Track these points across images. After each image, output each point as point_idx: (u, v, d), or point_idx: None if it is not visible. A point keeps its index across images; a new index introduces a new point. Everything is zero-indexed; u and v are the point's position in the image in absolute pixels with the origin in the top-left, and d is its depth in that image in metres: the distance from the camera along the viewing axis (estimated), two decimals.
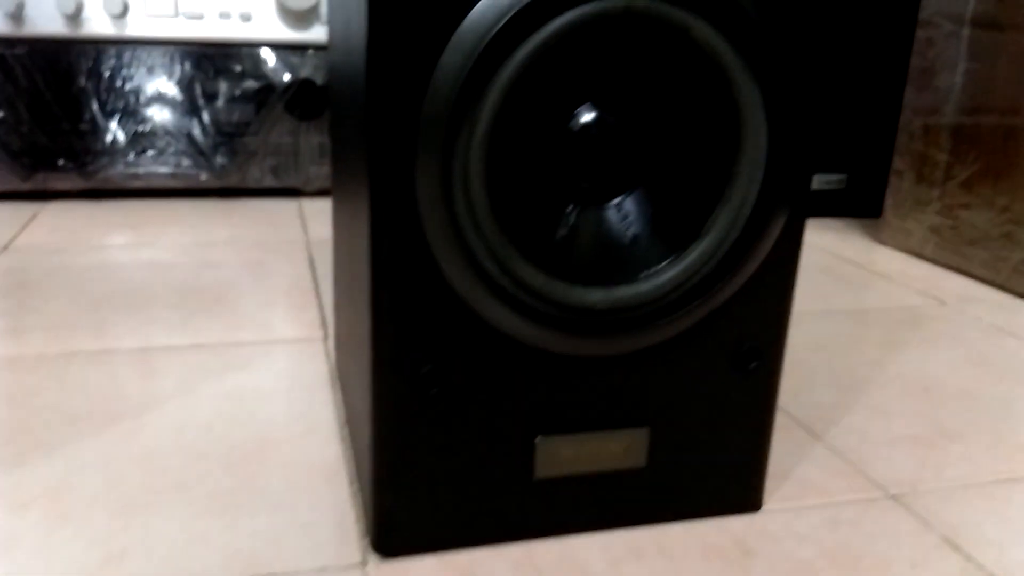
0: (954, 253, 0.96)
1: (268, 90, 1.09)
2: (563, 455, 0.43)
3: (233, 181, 1.12)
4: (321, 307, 0.76)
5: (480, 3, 0.35)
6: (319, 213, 1.09)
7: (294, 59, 1.08)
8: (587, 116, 0.40)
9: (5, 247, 0.89)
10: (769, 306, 0.44)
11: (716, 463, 0.46)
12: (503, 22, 0.35)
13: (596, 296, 0.41)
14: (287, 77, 1.09)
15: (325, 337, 0.69)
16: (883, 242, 1.07)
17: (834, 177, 1.18)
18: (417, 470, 0.42)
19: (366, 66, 0.36)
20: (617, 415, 0.43)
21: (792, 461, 0.53)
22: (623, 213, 0.42)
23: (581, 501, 0.44)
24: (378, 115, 0.36)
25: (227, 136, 1.09)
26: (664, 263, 0.41)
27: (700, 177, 0.41)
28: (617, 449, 0.44)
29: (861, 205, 1.19)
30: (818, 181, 1.17)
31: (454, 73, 0.35)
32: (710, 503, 0.47)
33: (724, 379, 0.45)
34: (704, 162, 0.41)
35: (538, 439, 0.42)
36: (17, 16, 0.99)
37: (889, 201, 1.05)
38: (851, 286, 0.90)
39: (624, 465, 0.44)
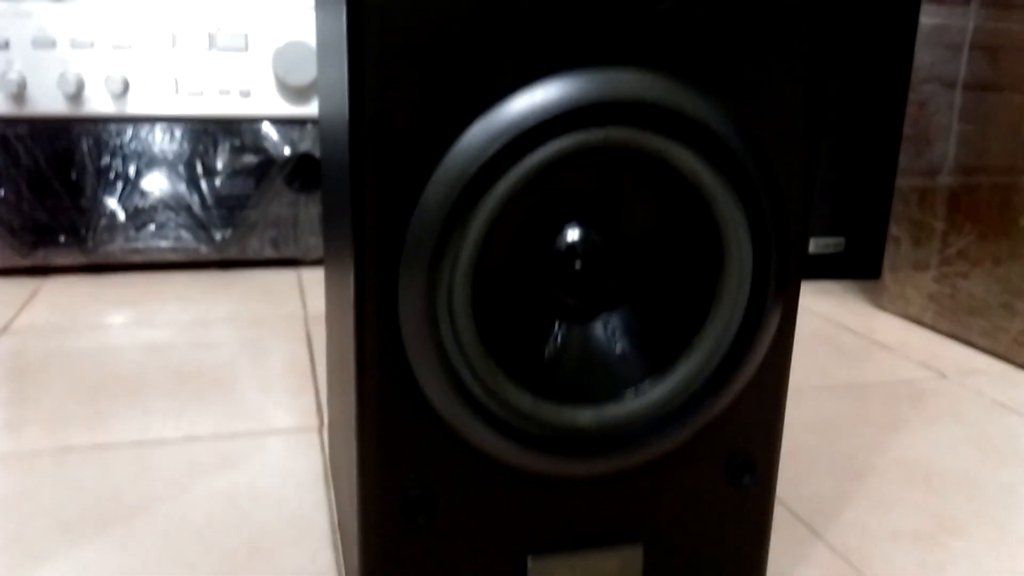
0: (954, 321, 0.96)
1: (268, 164, 1.10)
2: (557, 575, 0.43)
3: (233, 253, 1.13)
4: (317, 390, 0.76)
5: (463, 138, 0.35)
6: (317, 284, 1.10)
7: (293, 133, 1.09)
8: (572, 235, 0.40)
9: (5, 328, 0.90)
10: (761, 417, 0.44)
11: None
12: (484, 159, 0.35)
13: (585, 416, 0.40)
14: (287, 151, 1.10)
15: (320, 426, 0.69)
16: (882, 307, 1.07)
17: (831, 240, 1.18)
18: None
19: (351, 196, 0.36)
20: (610, 533, 0.43)
21: (791, 562, 0.53)
22: (610, 330, 0.42)
23: None
24: (359, 240, 0.36)
25: (227, 209, 1.10)
26: (652, 380, 0.41)
27: (686, 294, 0.41)
28: (612, 567, 0.43)
29: (859, 267, 1.19)
30: (815, 244, 1.17)
31: (437, 207, 0.36)
32: None
33: (717, 492, 0.44)
34: (689, 279, 0.41)
35: (530, 561, 0.42)
36: (19, 96, 1.00)
37: (887, 267, 1.05)
38: (851, 357, 0.89)
39: None
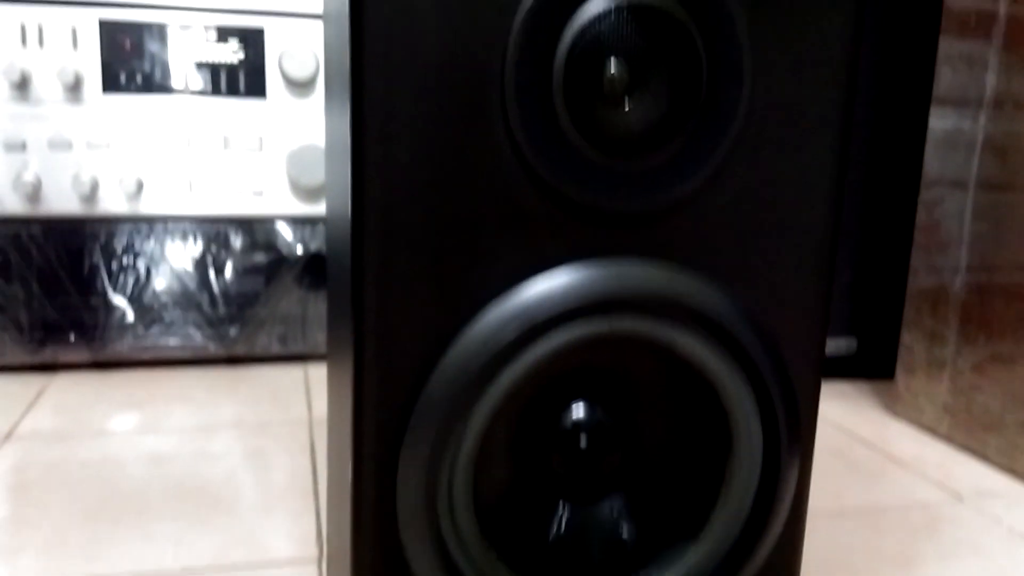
0: (969, 435, 0.94)
1: (279, 262, 1.10)
2: None
3: (241, 350, 1.12)
4: (317, 512, 0.75)
5: (466, 331, 0.35)
6: (323, 381, 1.09)
7: (304, 232, 1.10)
8: (577, 412, 0.40)
9: (9, 434, 0.89)
10: None
11: None
12: (488, 354, 0.35)
13: None
14: (298, 250, 1.10)
15: (320, 556, 0.68)
16: (896, 414, 1.05)
17: (843, 341, 1.16)
18: None
19: (352, 386, 0.36)
20: None
21: None
22: (615, 512, 0.41)
23: None
24: (360, 431, 0.36)
25: (237, 307, 1.10)
26: (659, 568, 0.40)
27: (694, 476, 0.40)
28: None
29: (873, 366, 1.18)
30: (827, 345, 1.16)
31: (438, 402, 0.35)
32: None
33: None
34: (698, 461, 0.40)
35: None
36: (34, 197, 1.01)
37: (900, 373, 1.04)
38: (864, 475, 0.88)
39: None
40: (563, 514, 0.40)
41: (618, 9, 0.34)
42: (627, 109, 0.35)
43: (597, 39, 0.34)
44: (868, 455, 0.93)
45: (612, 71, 0.34)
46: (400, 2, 0.33)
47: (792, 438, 0.40)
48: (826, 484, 0.85)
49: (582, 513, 0.40)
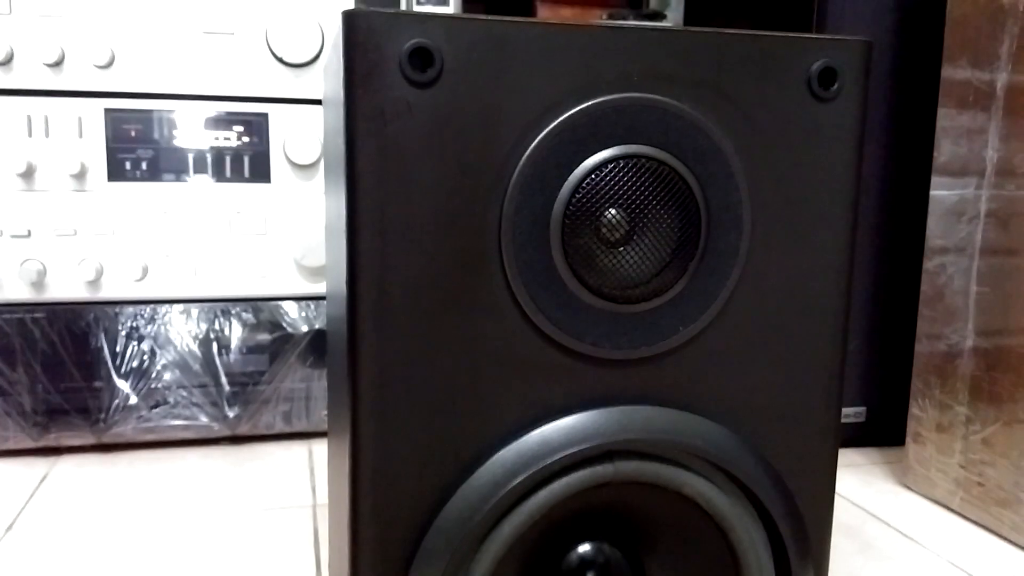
0: (982, 511, 0.93)
1: (283, 340, 1.10)
2: None
3: (244, 429, 1.12)
4: None
5: (466, 483, 0.35)
6: (326, 461, 1.08)
7: (308, 311, 1.10)
8: (584, 552, 0.39)
9: (10, 526, 0.88)
10: None
11: None
12: (488, 507, 0.34)
13: None
14: (302, 328, 1.10)
15: None
16: (908, 486, 1.03)
17: (852, 410, 1.16)
18: None
19: (349, 543, 0.35)
20: None
21: None
22: None
23: None
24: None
25: (240, 386, 1.10)
26: None
27: None
28: None
29: (883, 433, 1.17)
30: None
31: (437, 556, 0.35)
32: None
33: None
34: None
35: None
36: (38, 284, 1.02)
37: (910, 445, 1.03)
38: (877, 556, 0.86)
39: None
40: None
41: (615, 160, 0.34)
42: (626, 257, 0.35)
43: (595, 190, 0.34)
44: (882, 532, 0.92)
45: (610, 220, 0.34)
46: (395, 158, 0.33)
47: (803, 568, 0.39)
48: (841, 566, 0.84)
49: None
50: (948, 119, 1.00)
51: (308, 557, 0.84)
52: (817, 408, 0.39)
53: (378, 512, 0.35)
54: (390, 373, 0.34)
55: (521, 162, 0.33)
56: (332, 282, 0.47)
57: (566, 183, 0.34)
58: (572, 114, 0.33)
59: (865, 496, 1.01)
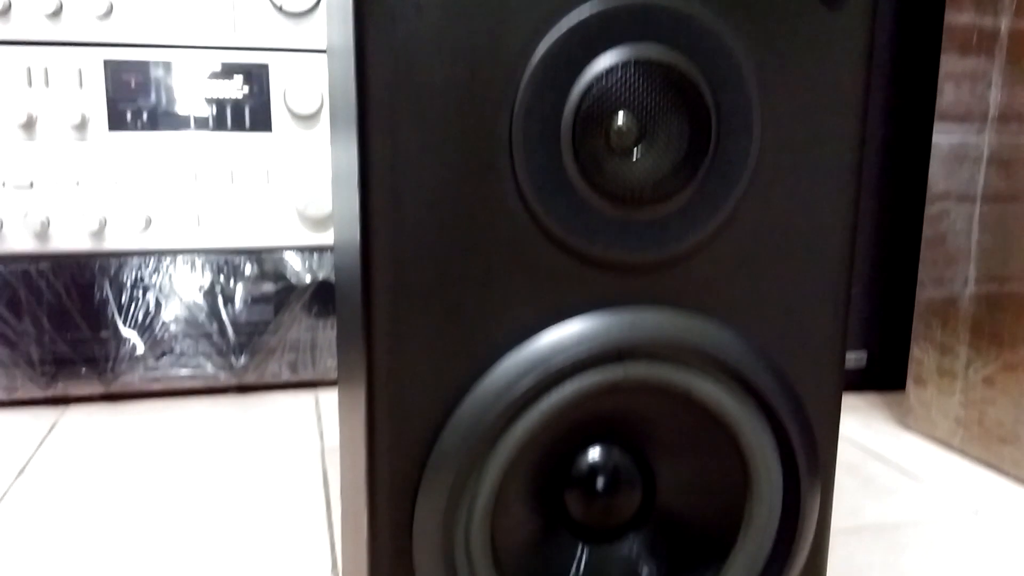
0: (983, 448, 0.94)
1: (287, 291, 1.11)
2: None
3: (251, 378, 1.13)
4: (332, 544, 0.75)
5: (478, 383, 0.35)
6: (334, 408, 1.09)
7: (312, 261, 1.11)
8: (593, 458, 0.40)
9: (22, 470, 0.90)
10: None
11: None
12: (500, 407, 0.35)
13: None
14: (306, 279, 1.11)
15: None
16: (908, 427, 1.05)
17: (853, 354, 1.16)
18: None
19: (366, 438, 0.36)
20: None
21: None
22: (635, 552, 0.41)
23: None
24: (374, 485, 0.36)
25: (246, 336, 1.11)
26: None
27: (714, 514, 0.40)
28: None
29: (884, 378, 1.18)
30: None
31: (451, 456, 0.35)
32: None
33: None
34: (718, 500, 0.40)
35: None
36: (42, 234, 1.02)
37: (911, 387, 1.04)
38: (879, 491, 0.87)
39: None
40: (582, 556, 0.40)
41: (625, 64, 0.34)
42: (636, 161, 0.35)
43: (605, 94, 0.34)
44: (883, 470, 0.93)
45: (621, 124, 0.35)
46: (405, 62, 0.33)
47: (812, 475, 0.40)
48: (843, 501, 0.85)
49: (601, 554, 0.40)
50: (951, 64, 1.00)
51: (318, 497, 0.85)
52: (825, 317, 0.40)
53: (394, 412, 0.35)
54: (404, 279, 0.35)
55: (531, 64, 0.34)
56: (341, 232, 0.47)
57: (576, 86, 0.34)
58: (583, 14, 0.33)
59: (866, 437, 1.03)
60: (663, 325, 0.36)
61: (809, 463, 0.40)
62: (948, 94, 1.00)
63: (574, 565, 0.40)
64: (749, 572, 0.40)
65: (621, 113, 0.35)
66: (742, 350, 0.37)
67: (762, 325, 0.38)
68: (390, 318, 0.35)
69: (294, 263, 1.10)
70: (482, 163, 0.35)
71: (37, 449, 0.95)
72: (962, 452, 0.97)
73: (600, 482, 0.40)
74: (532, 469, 0.38)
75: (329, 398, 1.13)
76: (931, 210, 1.01)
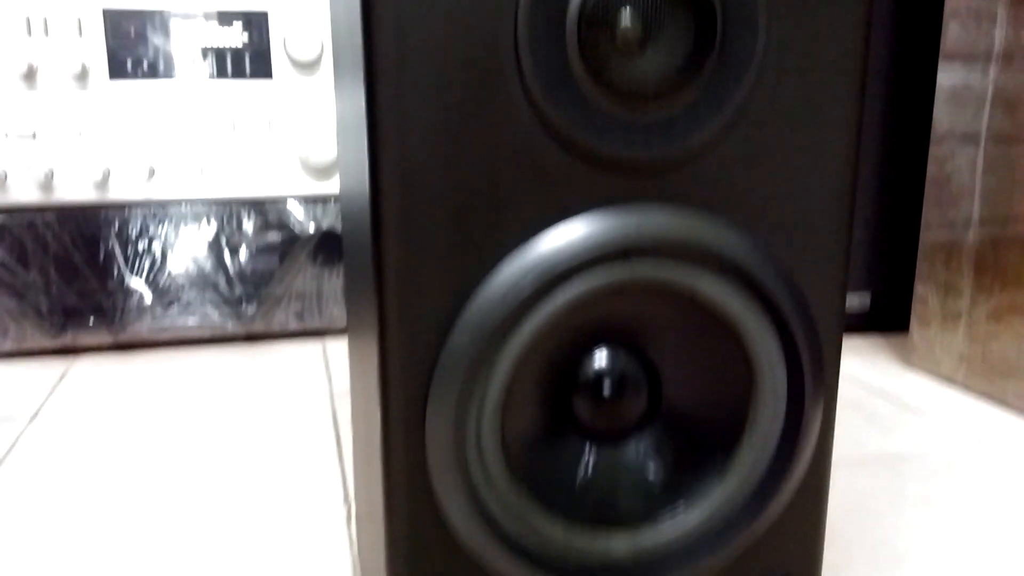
0: (987, 383, 0.95)
1: (292, 240, 1.11)
2: None
3: (258, 328, 1.14)
4: (344, 476, 0.76)
5: (488, 280, 0.36)
6: (341, 356, 1.10)
7: (317, 210, 1.11)
8: (600, 358, 0.40)
9: (35, 414, 0.91)
10: (801, 534, 0.43)
11: None
12: (510, 303, 0.35)
13: (619, 545, 0.40)
14: (311, 228, 1.11)
15: (348, 517, 0.69)
16: (912, 365, 1.05)
17: (856, 296, 1.17)
18: None
19: (377, 338, 0.37)
20: None
21: None
22: (642, 452, 0.42)
23: None
24: (386, 380, 0.37)
25: (252, 286, 1.11)
26: (687, 505, 0.41)
27: (719, 417, 0.41)
28: None
29: (887, 320, 1.18)
30: None
31: (462, 351, 0.36)
32: None
33: None
34: (723, 402, 0.41)
35: None
36: (47, 185, 1.02)
37: (915, 326, 1.04)
38: (883, 425, 0.88)
39: None
40: (589, 457, 0.41)
41: None
42: (641, 59, 0.35)
43: None
44: (886, 406, 0.94)
45: (625, 23, 0.35)
46: None
47: (816, 378, 0.40)
48: (845, 434, 0.86)
49: (608, 455, 0.41)
50: (956, 0, 0.99)
51: (329, 438, 0.86)
52: (831, 220, 0.40)
53: (404, 311, 0.36)
54: (411, 181, 0.35)
55: None
56: (347, 179, 0.48)
57: None
58: None
59: (869, 375, 1.03)
60: (670, 224, 0.37)
61: (813, 363, 0.40)
62: (953, 32, 1.00)
63: (582, 466, 0.41)
64: (752, 472, 0.40)
65: (626, 9, 0.35)
66: (749, 250, 0.38)
67: (768, 226, 0.39)
68: (398, 220, 0.35)
69: (297, 212, 1.10)
70: (488, 65, 0.35)
71: (49, 395, 0.96)
72: (965, 388, 0.98)
73: (607, 385, 0.40)
74: (540, 373, 0.39)
75: (337, 347, 1.14)
76: (936, 151, 1.01)
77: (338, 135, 0.52)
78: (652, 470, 0.41)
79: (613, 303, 0.39)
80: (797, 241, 0.39)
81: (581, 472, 0.41)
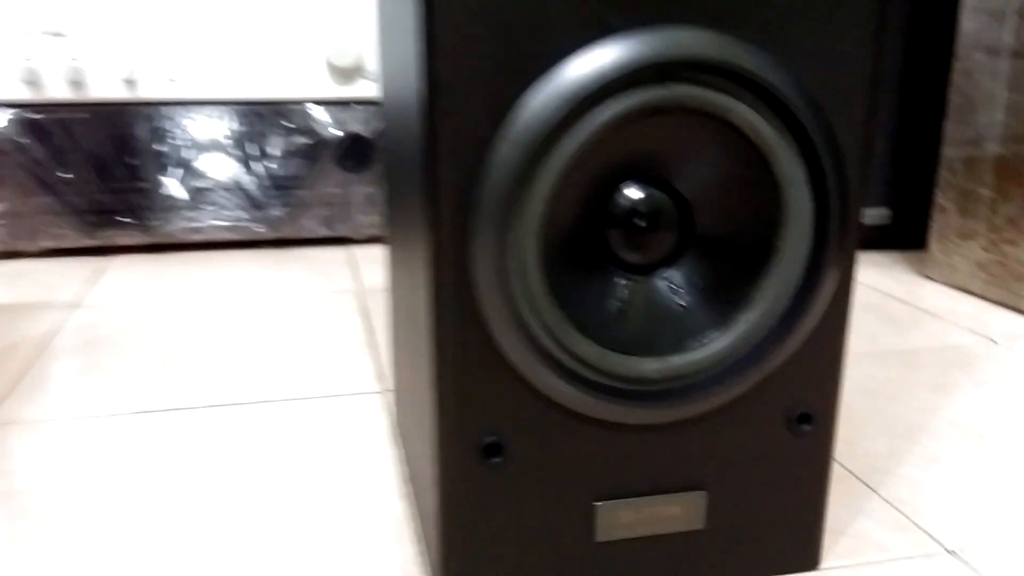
0: (1002, 288, 0.96)
1: (319, 145, 1.13)
2: (622, 519, 0.45)
3: (287, 232, 1.16)
4: (378, 359, 0.79)
5: (529, 98, 0.37)
6: (369, 261, 1.12)
7: (342, 114, 1.12)
8: (634, 191, 0.42)
9: (79, 303, 0.94)
10: (821, 369, 0.45)
11: (773, 523, 0.47)
12: (551, 119, 0.37)
13: (650, 366, 0.42)
14: (337, 132, 1.12)
15: (382, 391, 0.72)
16: (929, 276, 1.07)
17: (876, 212, 1.18)
18: (482, 536, 0.43)
19: (423, 161, 0.38)
20: (674, 480, 0.45)
21: (848, 516, 0.54)
22: (673, 284, 0.44)
23: (642, 563, 0.46)
24: (434, 201, 0.38)
25: (281, 189, 1.13)
26: (715, 332, 0.43)
27: (747, 247, 0.43)
28: (676, 512, 0.45)
29: (905, 237, 1.19)
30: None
31: (506, 167, 0.37)
32: (768, 563, 0.48)
33: (779, 442, 0.46)
34: (750, 232, 0.43)
35: (598, 504, 0.44)
36: (78, 83, 1.04)
37: (933, 236, 1.05)
38: (899, 325, 0.90)
39: (683, 528, 0.45)
40: (623, 288, 0.43)
41: None
42: None
43: None
44: (903, 309, 0.95)
45: None
46: None
47: (842, 208, 0.42)
48: (862, 332, 0.88)
49: (641, 286, 0.43)
50: None
51: (359, 324, 0.88)
52: (857, 51, 0.41)
53: (453, 124, 0.37)
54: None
55: None
56: (391, 85, 0.49)
57: None
58: None
59: (887, 284, 1.05)
60: (705, 44, 0.38)
61: (839, 193, 0.42)
62: None
63: (617, 297, 0.43)
64: (777, 302, 0.42)
65: None
66: (779, 74, 0.39)
67: (798, 55, 0.40)
68: (449, 29, 0.36)
69: (320, 116, 1.12)
70: None
71: (89, 291, 0.99)
72: (983, 296, 0.99)
73: (640, 217, 0.42)
74: (576, 206, 0.41)
75: (363, 253, 1.16)
76: (960, 63, 1.00)
77: (381, 35, 0.54)
78: (682, 300, 0.43)
79: (645, 133, 0.40)
80: (826, 71, 0.41)
81: (615, 301, 0.43)
